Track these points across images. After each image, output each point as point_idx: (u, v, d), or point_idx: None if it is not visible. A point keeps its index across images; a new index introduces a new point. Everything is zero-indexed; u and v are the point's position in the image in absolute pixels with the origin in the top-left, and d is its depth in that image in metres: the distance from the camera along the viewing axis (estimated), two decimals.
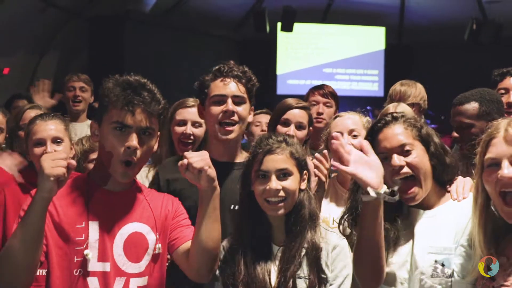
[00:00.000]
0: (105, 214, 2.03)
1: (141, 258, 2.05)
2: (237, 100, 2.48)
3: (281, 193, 2.12)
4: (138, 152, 2.02)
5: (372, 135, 2.19)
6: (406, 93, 3.73)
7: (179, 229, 2.14)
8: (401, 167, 2.10)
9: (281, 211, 2.14)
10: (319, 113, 3.69)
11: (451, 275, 2.03)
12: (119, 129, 2.00)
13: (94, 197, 2.05)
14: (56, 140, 2.79)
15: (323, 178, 2.50)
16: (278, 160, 2.14)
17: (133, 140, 1.99)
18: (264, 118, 4.08)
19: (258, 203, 2.16)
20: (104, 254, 1.99)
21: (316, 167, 2.47)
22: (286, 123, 3.09)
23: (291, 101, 3.18)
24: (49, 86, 4.56)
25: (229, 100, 2.46)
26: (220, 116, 2.45)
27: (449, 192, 2.20)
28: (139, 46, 9.40)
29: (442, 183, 2.20)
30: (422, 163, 2.11)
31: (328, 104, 3.77)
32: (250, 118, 2.58)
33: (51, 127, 2.81)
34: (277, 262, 2.13)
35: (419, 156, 2.12)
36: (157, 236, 2.09)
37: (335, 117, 2.87)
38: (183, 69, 9.51)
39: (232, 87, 2.47)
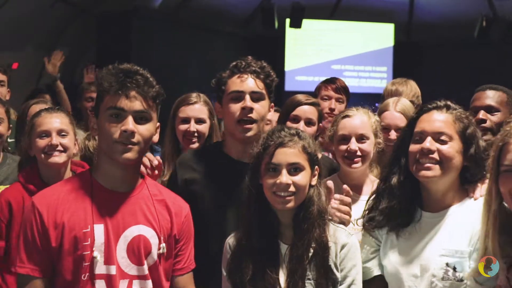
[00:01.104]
0: (110, 216, 2.00)
1: (143, 261, 2.02)
2: (256, 97, 2.39)
3: (291, 188, 2.06)
4: (136, 136, 1.97)
5: (418, 115, 2.17)
6: (398, 92, 3.69)
7: (181, 255, 2.15)
8: (431, 151, 2.07)
9: (290, 204, 2.07)
10: (331, 109, 3.67)
11: (462, 279, 2.00)
12: (115, 116, 1.97)
13: (98, 199, 2.01)
14: (61, 133, 2.77)
15: (348, 219, 2.30)
16: (290, 153, 2.08)
17: (129, 124, 1.95)
18: (275, 116, 4.07)
19: (266, 196, 2.11)
20: (109, 257, 1.97)
21: (337, 209, 2.29)
22: (296, 120, 3.07)
23: (300, 97, 3.15)
24: (62, 56, 5.04)
25: (247, 97, 2.37)
26: (238, 113, 2.37)
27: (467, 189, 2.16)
28: (147, 42, 9.38)
29: (466, 183, 2.16)
30: (453, 156, 2.07)
31: (340, 100, 3.74)
32: (270, 115, 2.50)
33: (57, 120, 2.79)
34: (285, 262, 2.08)
35: (454, 148, 2.08)
36: (161, 237, 2.06)
37: (344, 117, 2.75)
38: (191, 65, 9.51)
39: (250, 83, 2.39)
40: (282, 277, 2.07)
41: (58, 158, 2.73)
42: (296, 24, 10.47)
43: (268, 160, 2.09)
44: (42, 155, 2.74)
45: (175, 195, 2.19)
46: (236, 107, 2.38)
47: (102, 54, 8.97)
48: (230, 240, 2.19)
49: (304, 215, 2.09)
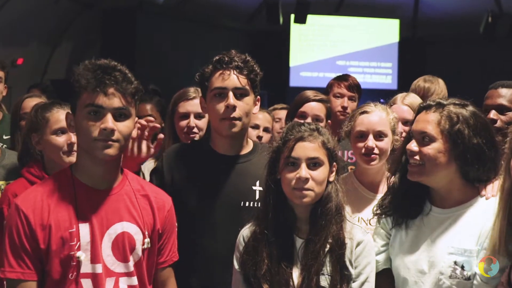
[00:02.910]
0: (94, 214, 1.97)
1: (128, 258, 2.00)
2: (239, 93, 2.34)
3: (310, 183, 2.05)
4: (116, 134, 1.93)
5: (416, 115, 2.19)
6: (430, 90, 3.70)
7: (163, 248, 2.13)
8: (413, 153, 2.08)
9: (308, 199, 2.06)
10: (343, 107, 3.64)
11: (470, 278, 2.00)
12: (94, 113, 1.92)
13: (81, 197, 1.98)
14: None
15: None
16: (309, 148, 2.07)
17: (109, 122, 1.91)
18: (284, 115, 4.04)
19: (284, 191, 2.09)
20: (95, 256, 1.95)
21: None
22: (303, 116, 3.04)
23: (309, 93, 3.12)
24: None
25: (230, 94, 2.31)
26: (221, 111, 2.33)
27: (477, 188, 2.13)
28: (152, 38, 9.40)
29: (472, 181, 2.12)
30: (435, 157, 2.05)
31: (352, 98, 3.70)
32: (255, 110, 2.45)
33: None
34: (299, 257, 2.08)
35: (435, 149, 2.05)
36: (145, 233, 2.04)
37: (362, 112, 2.68)
38: (196, 61, 9.49)
39: (232, 79, 2.33)
40: (295, 271, 2.07)
41: (73, 157, 2.68)
42: (301, 19, 10.45)
43: (287, 154, 2.08)
44: (62, 154, 2.66)
45: (157, 189, 2.17)
46: (219, 105, 2.34)
47: (107, 49, 8.99)
48: (245, 232, 2.17)
49: (321, 211, 2.08)
